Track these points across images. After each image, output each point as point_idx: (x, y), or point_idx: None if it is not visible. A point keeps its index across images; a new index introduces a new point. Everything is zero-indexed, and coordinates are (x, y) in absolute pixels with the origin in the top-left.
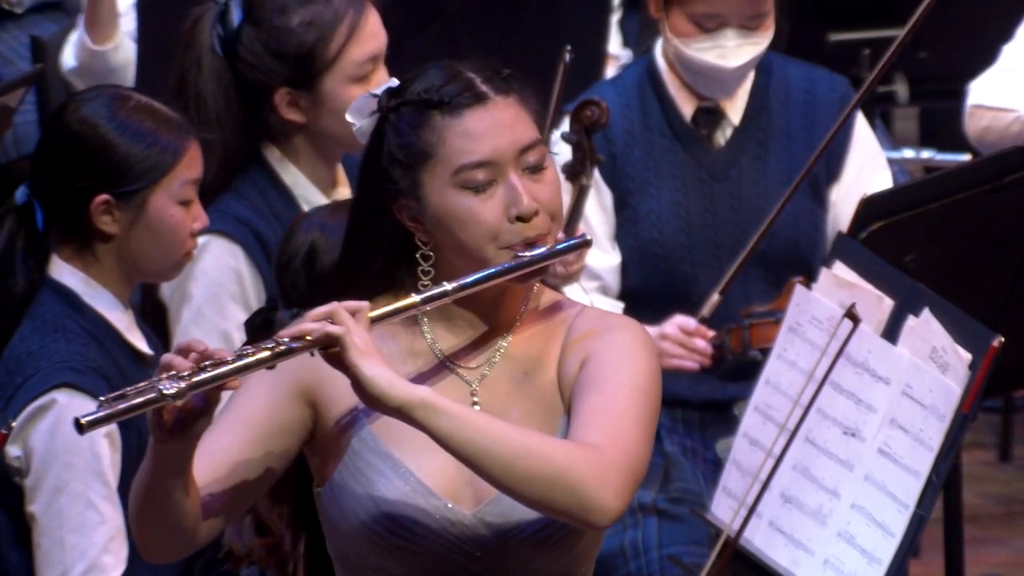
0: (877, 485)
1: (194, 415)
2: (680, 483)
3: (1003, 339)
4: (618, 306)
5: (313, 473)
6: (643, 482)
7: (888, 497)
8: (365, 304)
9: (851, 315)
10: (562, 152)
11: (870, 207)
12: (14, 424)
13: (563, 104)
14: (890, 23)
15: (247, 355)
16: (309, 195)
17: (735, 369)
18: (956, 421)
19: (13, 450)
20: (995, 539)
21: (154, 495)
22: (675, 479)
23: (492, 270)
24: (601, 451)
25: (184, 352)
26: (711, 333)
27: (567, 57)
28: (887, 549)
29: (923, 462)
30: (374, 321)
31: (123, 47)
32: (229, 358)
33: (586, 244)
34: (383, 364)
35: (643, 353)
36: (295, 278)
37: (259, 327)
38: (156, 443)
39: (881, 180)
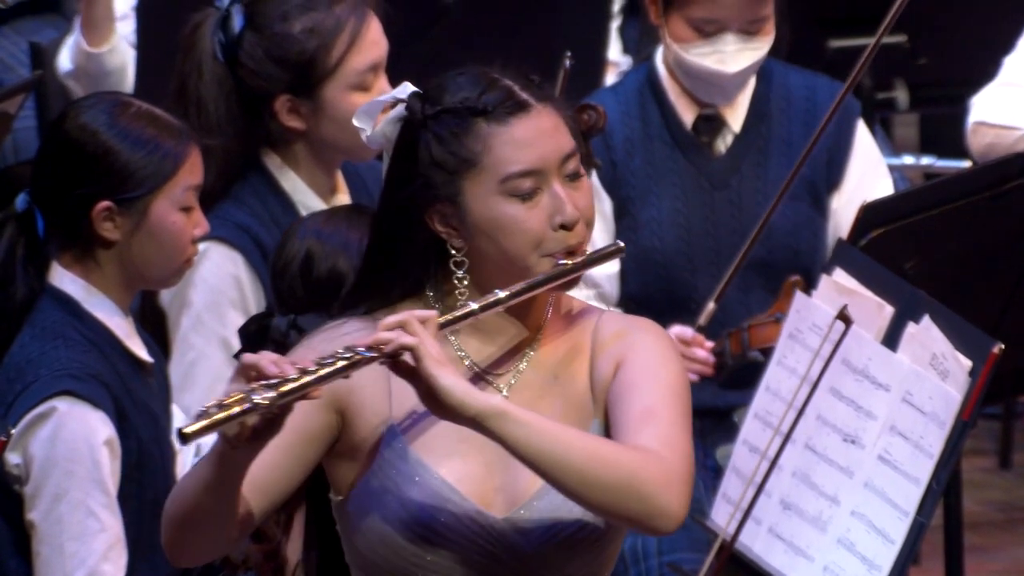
0: (877, 492)
1: (271, 424)
2: None
3: (1003, 346)
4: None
5: (332, 481)
6: None
7: (888, 504)
8: (434, 313)
9: (843, 317)
10: None
11: (870, 214)
12: (14, 431)
13: None
14: (890, 29)
15: (326, 364)
16: (309, 202)
17: (736, 374)
18: (956, 428)
19: (13, 457)
20: (995, 546)
21: (209, 501)
22: None
23: (540, 277)
24: (663, 457)
25: (257, 365)
26: (709, 344)
27: (567, 63)
28: (887, 556)
29: (923, 469)
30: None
31: (119, 50)
32: (311, 367)
33: (620, 251)
34: (457, 374)
35: (673, 355)
36: (291, 284)
37: (253, 334)
38: (226, 450)
39: (882, 188)
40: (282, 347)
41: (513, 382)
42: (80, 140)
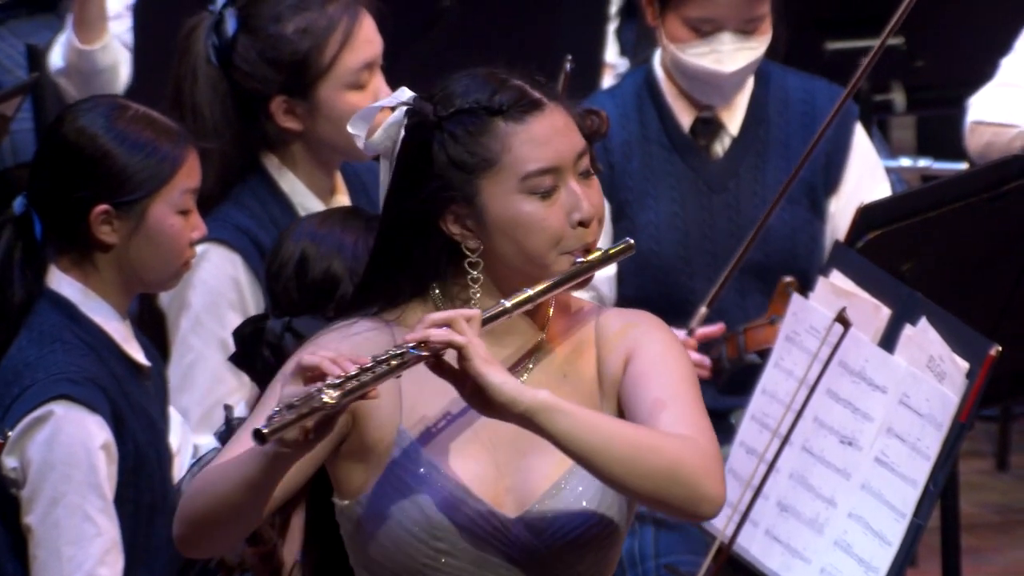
0: (874, 494)
1: (326, 424)
2: None
3: (1000, 348)
4: None
5: (336, 484)
6: None
7: (885, 506)
8: (478, 312)
9: (841, 319)
10: None
11: (867, 216)
12: (11, 435)
13: None
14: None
15: (381, 362)
16: (308, 203)
17: (734, 378)
18: (953, 430)
19: (10, 461)
20: (992, 548)
21: (247, 499)
22: None
23: (563, 275)
24: (698, 442)
25: (319, 366)
26: (697, 356)
27: (568, 66)
28: (884, 558)
29: (920, 471)
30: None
31: (111, 48)
32: (369, 365)
33: (631, 249)
34: (506, 372)
35: (679, 345)
36: (286, 286)
37: (248, 336)
38: (279, 451)
39: (880, 191)
40: (277, 349)
41: (527, 377)
42: (78, 143)
